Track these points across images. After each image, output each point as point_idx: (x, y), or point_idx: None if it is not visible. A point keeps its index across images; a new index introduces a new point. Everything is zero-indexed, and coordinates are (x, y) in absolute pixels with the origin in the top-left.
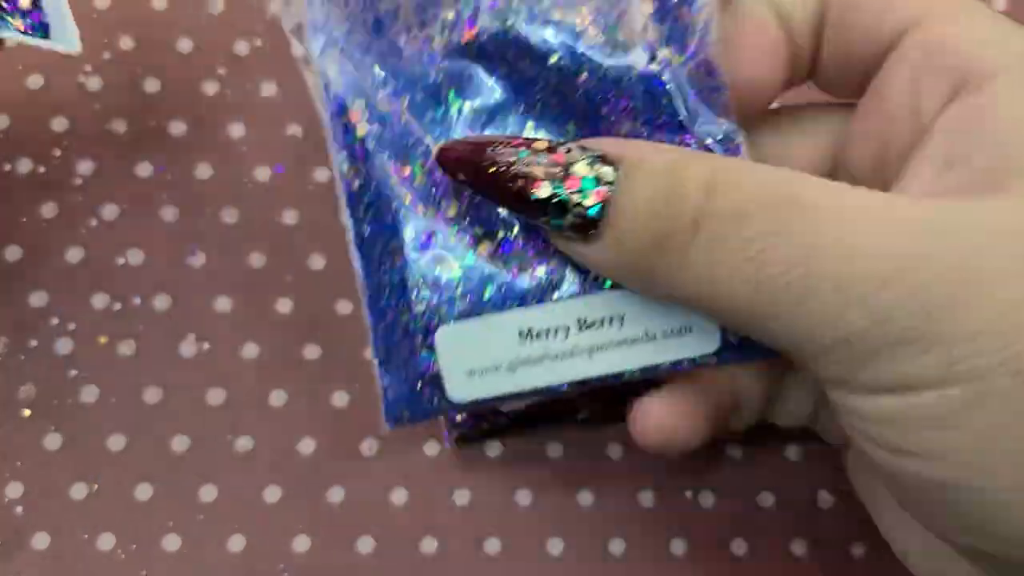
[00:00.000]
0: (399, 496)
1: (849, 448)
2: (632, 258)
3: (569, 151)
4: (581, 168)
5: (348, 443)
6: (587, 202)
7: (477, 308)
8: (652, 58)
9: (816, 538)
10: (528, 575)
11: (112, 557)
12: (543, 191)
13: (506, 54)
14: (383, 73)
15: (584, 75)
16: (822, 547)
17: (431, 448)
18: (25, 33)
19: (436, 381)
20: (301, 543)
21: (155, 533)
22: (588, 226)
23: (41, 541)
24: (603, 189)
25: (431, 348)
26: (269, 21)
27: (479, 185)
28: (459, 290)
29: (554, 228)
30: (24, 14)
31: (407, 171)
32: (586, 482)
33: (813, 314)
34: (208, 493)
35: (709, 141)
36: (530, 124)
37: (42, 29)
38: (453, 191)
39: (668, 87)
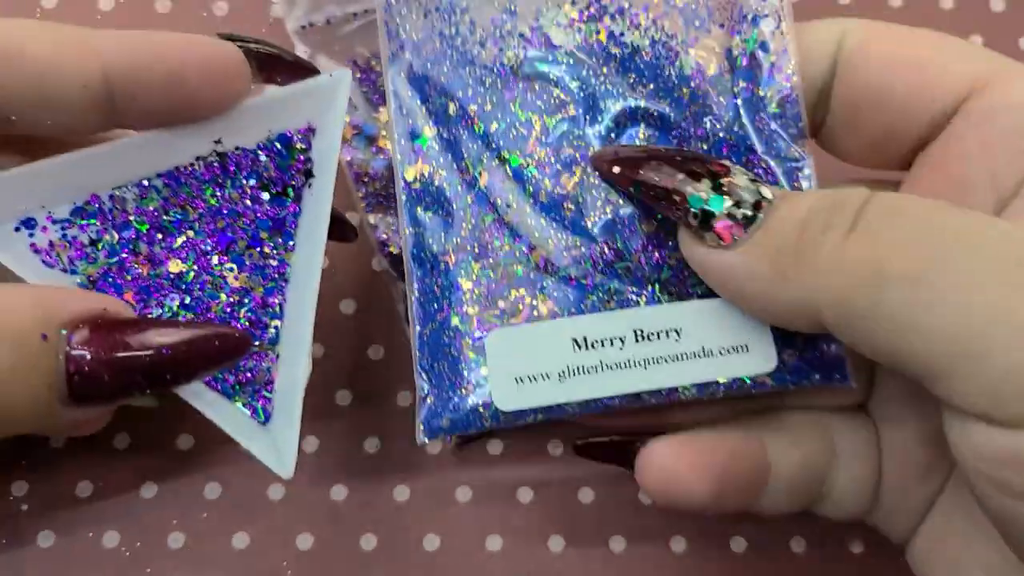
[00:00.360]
0: (402, 493)
1: (914, 541)
2: (774, 257)
3: (732, 164)
4: (741, 180)
5: (351, 441)
6: (746, 207)
7: (530, 314)
8: (729, 84)
9: (815, 535)
10: (529, 572)
11: (117, 554)
12: (703, 188)
13: (580, 70)
14: (454, 81)
15: (661, 94)
16: (821, 545)
17: (433, 446)
18: (245, 407)
19: (481, 388)
20: (304, 540)
21: (160, 531)
22: (742, 227)
23: (46, 539)
24: (760, 201)
25: (480, 352)
26: (272, 24)
27: (639, 191)
28: (512, 295)
29: (700, 228)
30: (255, 391)
31: (470, 175)
32: (587, 480)
33: (972, 302)
34: (212, 491)
35: (774, 164)
36: (593, 141)
37: (264, 415)
38: (511, 198)
39: (742, 112)
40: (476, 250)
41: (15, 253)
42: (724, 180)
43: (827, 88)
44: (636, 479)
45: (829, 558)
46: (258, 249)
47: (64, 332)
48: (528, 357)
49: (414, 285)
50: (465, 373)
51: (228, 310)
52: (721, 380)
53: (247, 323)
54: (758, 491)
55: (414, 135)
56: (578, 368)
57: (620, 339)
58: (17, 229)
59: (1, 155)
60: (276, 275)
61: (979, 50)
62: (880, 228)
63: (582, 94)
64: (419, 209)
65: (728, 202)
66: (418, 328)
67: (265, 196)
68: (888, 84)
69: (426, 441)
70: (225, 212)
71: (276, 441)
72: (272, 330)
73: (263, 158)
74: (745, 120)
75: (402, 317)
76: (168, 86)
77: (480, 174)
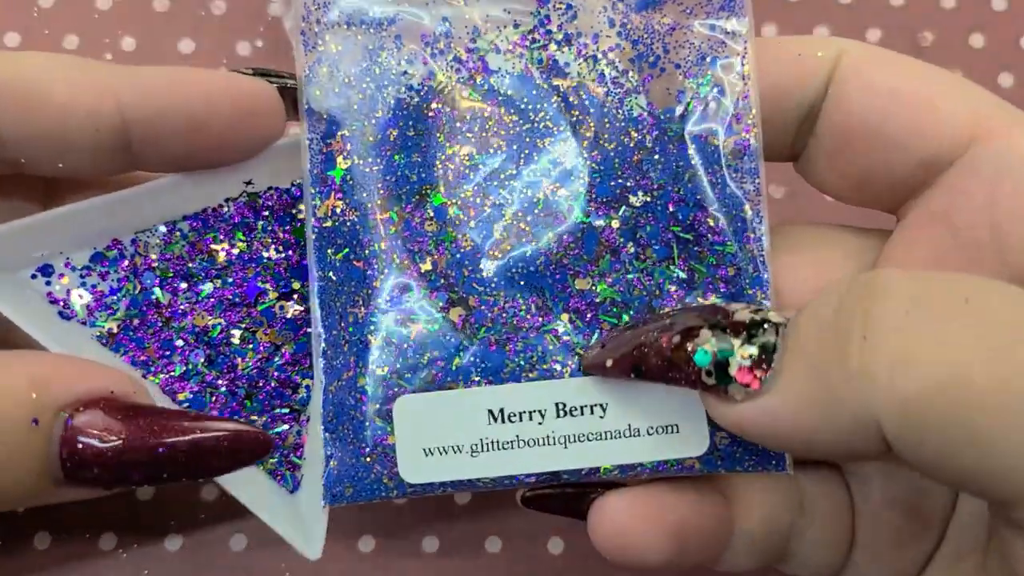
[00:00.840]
0: None
1: None
2: (815, 380)
3: (724, 303)
4: (742, 315)
5: None
6: (759, 341)
7: (443, 379)
8: (681, 130)
9: None
10: (528, 573)
11: (114, 556)
12: (704, 341)
13: (519, 102)
14: (374, 102)
15: (605, 136)
16: None
17: None
18: (273, 474)
19: (387, 457)
20: None
21: (157, 533)
22: (764, 362)
23: (43, 541)
24: (773, 327)
25: (387, 418)
26: (270, 22)
27: (640, 374)
28: (425, 357)
29: (719, 385)
30: (283, 457)
31: (387, 214)
32: None
33: None
34: (210, 492)
35: (724, 222)
36: (527, 184)
37: (292, 483)
38: (430, 244)
39: (693, 162)
40: (388, 303)
41: (28, 303)
42: (723, 322)
43: (815, 112)
44: (588, 534)
45: None
46: (290, 301)
47: (64, 415)
48: (439, 427)
49: (321, 336)
50: (370, 439)
51: (256, 367)
52: (646, 463)
53: (276, 383)
54: (719, 549)
55: (328, 165)
56: (493, 443)
57: (540, 412)
58: (33, 276)
59: (20, 197)
60: (309, 329)
61: (982, 93)
62: (945, 319)
63: (518, 129)
64: (330, 251)
65: (738, 343)
66: (323, 383)
67: (299, 241)
68: (883, 118)
69: (329, 505)
70: (255, 259)
71: (303, 515)
72: (303, 390)
73: (298, 199)
74: (697, 171)
75: None
76: (192, 131)
77: (397, 214)
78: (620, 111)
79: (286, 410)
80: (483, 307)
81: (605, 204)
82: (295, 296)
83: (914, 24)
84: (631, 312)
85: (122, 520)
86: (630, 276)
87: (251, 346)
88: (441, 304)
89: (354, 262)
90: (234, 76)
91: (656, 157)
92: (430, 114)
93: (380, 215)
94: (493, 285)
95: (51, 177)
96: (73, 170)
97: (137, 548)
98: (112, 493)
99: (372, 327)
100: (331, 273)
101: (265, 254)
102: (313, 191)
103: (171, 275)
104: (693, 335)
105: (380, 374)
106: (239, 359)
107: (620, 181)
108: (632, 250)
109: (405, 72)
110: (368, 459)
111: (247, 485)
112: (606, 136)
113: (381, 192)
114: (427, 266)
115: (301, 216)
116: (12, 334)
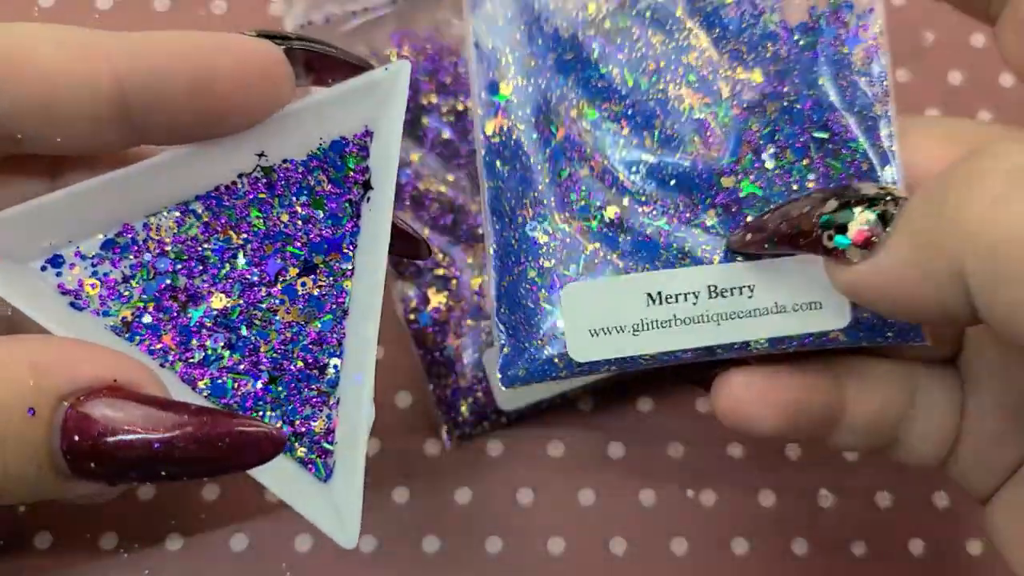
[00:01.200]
0: (401, 495)
1: (992, 503)
2: (918, 234)
3: (857, 185)
4: (869, 189)
5: None
6: (879, 208)
7: (604, 268)
8: (814, 40)
9: (817, 537)
10: (529, 574)
11: (115, 556)
12: (829, 208)
13: (664, 24)
14: (534, 33)
15: (745, 50)
16: (823, 546)
17: (432, 447)
18: (304, 462)
19: (557, 339)
20: (303, 542)
21: (158, 532)
22: (881, 225)
23: (44, 540)
24: (894, 199)
25: (556, 304)
26: (270, 22)
27: (774, 244)
28: (588, 248)
29: (839, 246)
30: (314, 443)
31: (548, 129)
32: (587, 481)
33: None
34: (210, 492)
35: (854, 122)
36: (674, 96)
37: (325, 472)
38: (588, 152)
39: (825, 69)
40: (553, 204)
41: (40, 295)
42: (850, 195)
43: None
44: (711, 401)
45: (830, 560)
46: (312, 277)
47: (65, 404)
48: (603, 310)
49: (492, 238)
50: (541, 325)
51: (280, 349)
52: (793, 335)
53: (302, 364)
54: (827, 430)
55: (493, 89)
56: (652, 322)
57: (694, 294)
58: (43, 268)
59: (27, 178)
60: (334, 306)
61: None
62: None
63: (663, 48)
64: (498, 163)
65: (859, 209)
66: (496, 279)
67: (319, 215)
68: None
69: (503, 389)
70: (273, 236)
71: (337, 502)
72: (331, 370)
73: (315, 171)
74: (828, 78)
75: (401, 317)
76: (193, 96)
77: (557, 129)
78: (756, 28)
79: (314, 393)
80: (637, 206)
81: (747, 110)
82: (317, 271)
83: (915, 23)
84: (772, 205)
85: (123, 520)
86: (770, 174)
87: (273, 327)
88: (599, 204)
89: (520, 171)
90: (238, 37)
91: (791, 67)
92: (584, 40)
93: (543, 130)
94: (646, 186)
95: (56, 157)
96: (73, 145)
97: (138, 548)
98: (119, 489)
99: (539, 225)
100: (499, 182)
101: (284, 230)
102: (480, 112)
103: (186, 258)
104: (821, 205)
105: (548, 266)
106: (261, 342)
107: (759, 89)
108: (772, 151)
109: (560, 4)
110: (540, 342)
111: (278, 476)
112: (744, 50)
113: (542, 109)
114: (585, 171)
115: (319, 188)
116: (23, 327)
